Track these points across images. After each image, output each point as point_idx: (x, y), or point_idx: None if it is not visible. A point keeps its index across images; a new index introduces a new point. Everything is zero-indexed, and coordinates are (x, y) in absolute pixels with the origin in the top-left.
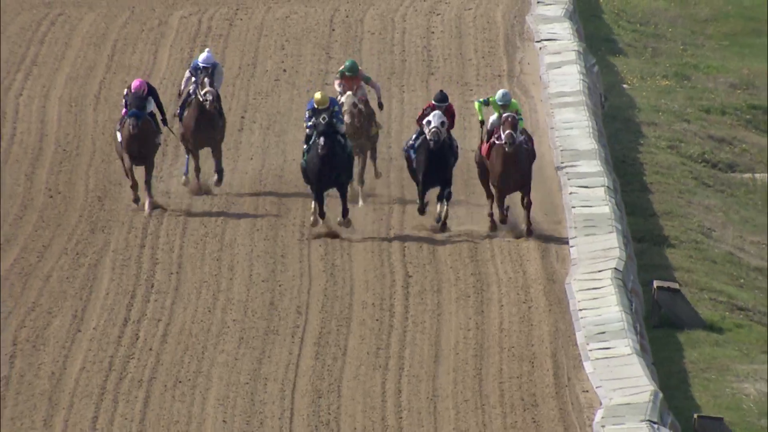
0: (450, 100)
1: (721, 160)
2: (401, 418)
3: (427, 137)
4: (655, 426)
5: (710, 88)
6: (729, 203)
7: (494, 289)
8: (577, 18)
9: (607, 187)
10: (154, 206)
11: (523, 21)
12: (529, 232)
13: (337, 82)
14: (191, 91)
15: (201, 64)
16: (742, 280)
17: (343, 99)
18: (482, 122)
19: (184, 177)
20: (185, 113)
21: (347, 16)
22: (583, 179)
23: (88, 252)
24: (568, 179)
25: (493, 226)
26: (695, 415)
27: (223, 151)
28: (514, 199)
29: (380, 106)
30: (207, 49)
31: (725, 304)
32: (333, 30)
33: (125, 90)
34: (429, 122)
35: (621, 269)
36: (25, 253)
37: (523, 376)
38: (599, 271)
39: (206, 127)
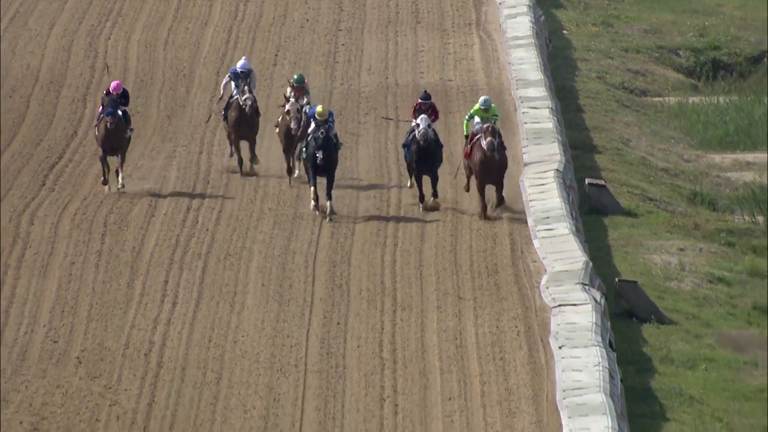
0: (429, 47)
1: (636, 87)
2: (395, 281)
3: (417, 137)
4: (587, 287)
5: (628, 33)
6: (642, 120)
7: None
8: None
9: (551, 108)
10: (123, 185)
11: None
12: (500, 201)
13: (288, 89)
14: (234, 94)
15: (239, 70)
16: (651, 178)
17: (288, 106)
18: (467, 136)
19: (230, 157)
20: (229, 113)
21: None
22: (532, 102)
23: (160, 156)
24: (521, 102)
25: (484, 213)
26: (616, 279)
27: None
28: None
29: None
30: (244, 57)
31: (639, 195)
32: None
33: (105, 90)
34: (418, 125)
35: (561, 170)
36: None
37: (488, 250)
38: (545, 171)
39: (245, 125)
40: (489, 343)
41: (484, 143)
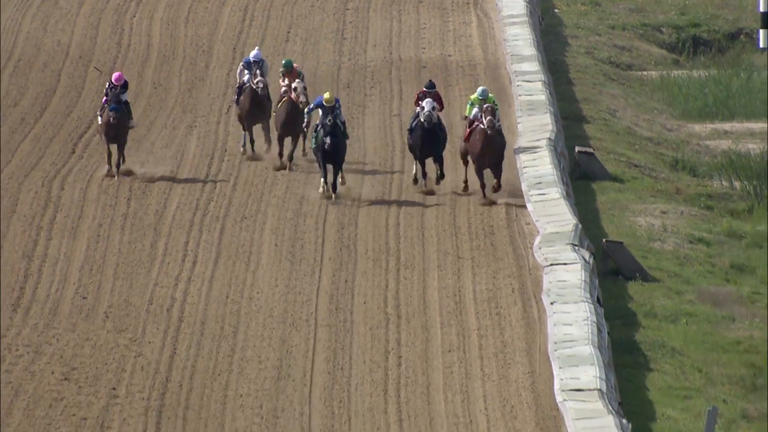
0: (431, 24)
1: (622, 62)
2: (399, 242)
3: (422, 120)
4: (576, 247)
5: (615, 12)
6: (628, 92)
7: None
8: None
9: (543, 81)
10: (126, 173)
11: None
12: (497, 186)
13: (281, 79)
14: (245, 80)
15: (252, 59)
16: (636, 146)
17: (295, 84)
18: (466, 117)
19: (242, 149)
20: (240, 98)
21: None
22: (526, 75)
23: (181, 126)
24: (516, 76)
25: (466, 188)
26: (604, 240)
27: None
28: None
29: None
30: (256, 47)
31: (625, 162)
32: None
33: (107, 83)
34: (423, 107)
35: (553, 138)
36: (136, 129)
37: (484, 213)
38: (537, 140)
39: (257, 109)
40: (486, 299)
41: (484, 121)
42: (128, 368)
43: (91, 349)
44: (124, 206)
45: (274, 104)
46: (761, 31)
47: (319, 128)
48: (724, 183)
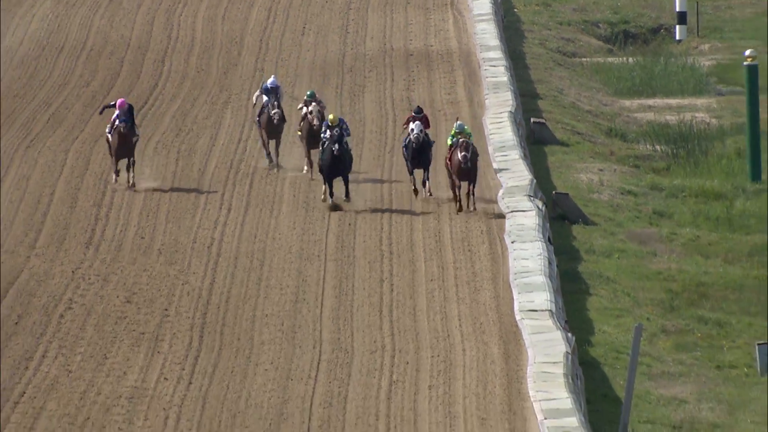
0: (416, 21)
1: (567, 51)
2: (392, 195)
3: (411, 140)
4: (532, 198)
5: (562, 11)
6: (573, 75)
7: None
8: None
9: (506, 66)
10: (134, 183)
11: None
12: (474, 208)
13: (303, 106)
14: (264, 104)
15: (269, 86)
16: (579, 117)
17: (311, 108)
18: (450, 146)
19: (267, 159)
20: (261, 120)
21: None
22: (492, 62)
23: (218, 102)
24: (483, 62)
25: (459, 209)
26: (553, 192)
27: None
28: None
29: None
30: (273, 75)
31: (570, 130)
32: None
33: (112, 105)
34: (412, 130)
35: (513, 111)
36: (183, 101)
37: None
38: (501, 113)
39: (274, 130)
40: (460, 239)
41: (459, 156)
42: (177, 293)
43: (147, 278)
44: (173, 165)
45: (296, 124)
46: (677, 27)
47: (326, 145)
48: (648, 146)
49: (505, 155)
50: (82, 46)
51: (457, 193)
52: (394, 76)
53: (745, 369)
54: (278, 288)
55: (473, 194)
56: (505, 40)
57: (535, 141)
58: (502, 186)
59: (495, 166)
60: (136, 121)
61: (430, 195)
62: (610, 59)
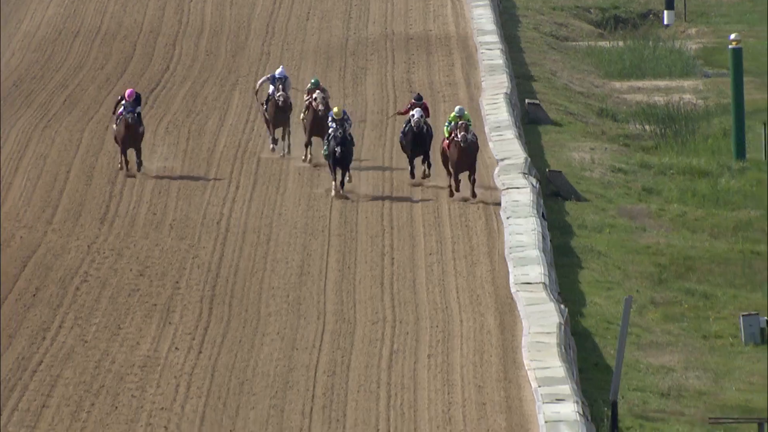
0: (416, 6)
1: (561, 35)
2: (392, 174)
3: (412, 125)
4: (526, 175)
5: None
6: (566, 58)
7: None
8: None
9: (501, 49)
10: (141, 167)
11: None
12: (474, 195)
13: (306, 94)
14: (270, 93)
15: (277, 76)
16: (571, 99)
17: (315, 95)
18: (446, 136)
19: (272, 146)
20: (268, 107)
21: None
22: (488, 45)
23: (227, 83)
24: (480, 46)
25: (451, 194)
26: (547, 170)
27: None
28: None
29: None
30: (281, 66)
31: (563, 110)
32: None
33: (119, 97)
34: (413, 116)
35: (508, 93)
36: (194, 83)
37: None
38: (497, 94)
39: (281, 116)
40: (458, 214)
41: (459, 136)
42: (187, 267)
43: (159, 252)
44: (183, 144)
45: (301, 113)
46: (665, 12)
47: (330, 138)
48: (637, 126)
49: (501, 135)
50: (96, 30)
51: (454, 178)
52: (395, 60)
53: (730, 339)
54: (284, 262)
55: (473, 183)
56: (500, 25)
57: (530, 121)
58: (497, 164)
59: (491, 145)
60: (143, 111)
61: (428, 176)
62: (601, 43)
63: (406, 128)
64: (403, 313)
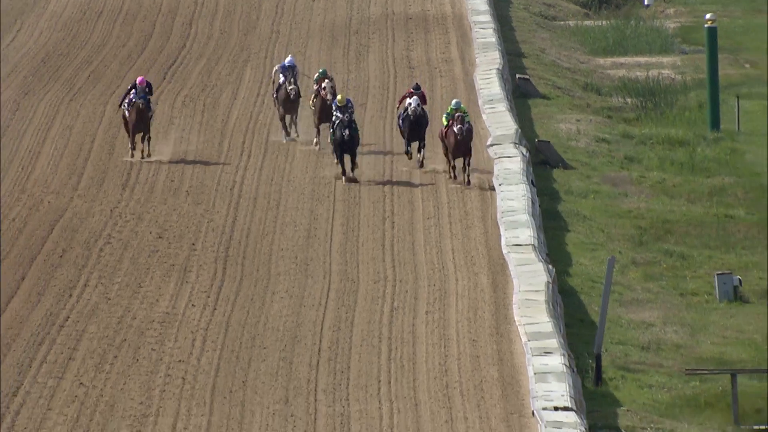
0: (411, 11)
1: (549, 15)
2: (393, 143)
3: (409, 113)
4: (517, 145)
5: None
6: (553, 37)
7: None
8: None
9: (494, 28)
10: (149, 154)
11: None
12: (468, 182)
13: (315, 84)
14: (281, 82)
15: (286, 64)
16: (559, 74)
17: (324, 84)
18: (446, 123)
19: (283, 133)
20: (278, 96)
21: None
22: (482, 24)
23: (239, 60)
24: (474, 25)
25: (450, 177)
26: (536, 140)
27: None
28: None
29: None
30: (291, 55)
31: (551, 85)
32: None
33: (130, 85)
34: (410, 104)
35: (500, 69)
36: (208, 60)
37: None
38: (489, 70)
39: (290, 105)
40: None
41: (455, 128)
42: (203, 230)
43: (177, 216)
44: (199, 116)
45: (309, 101)
46: None
47: (337, 126)
48: (620, 99)
49: (493, 107)
50: (118, 10)
51: (451, 164)
52: (395, 38)
53: (706, 296)
54: (292, 225)
55: (468, 168)
56: (493, 5)
57: (520, 95)
58: (490, 135)
59: (484, 118)
60: (156, 90)
61: (422, 164)
62: (586, 22)
63: (404, 115)
64: (402, 273)
